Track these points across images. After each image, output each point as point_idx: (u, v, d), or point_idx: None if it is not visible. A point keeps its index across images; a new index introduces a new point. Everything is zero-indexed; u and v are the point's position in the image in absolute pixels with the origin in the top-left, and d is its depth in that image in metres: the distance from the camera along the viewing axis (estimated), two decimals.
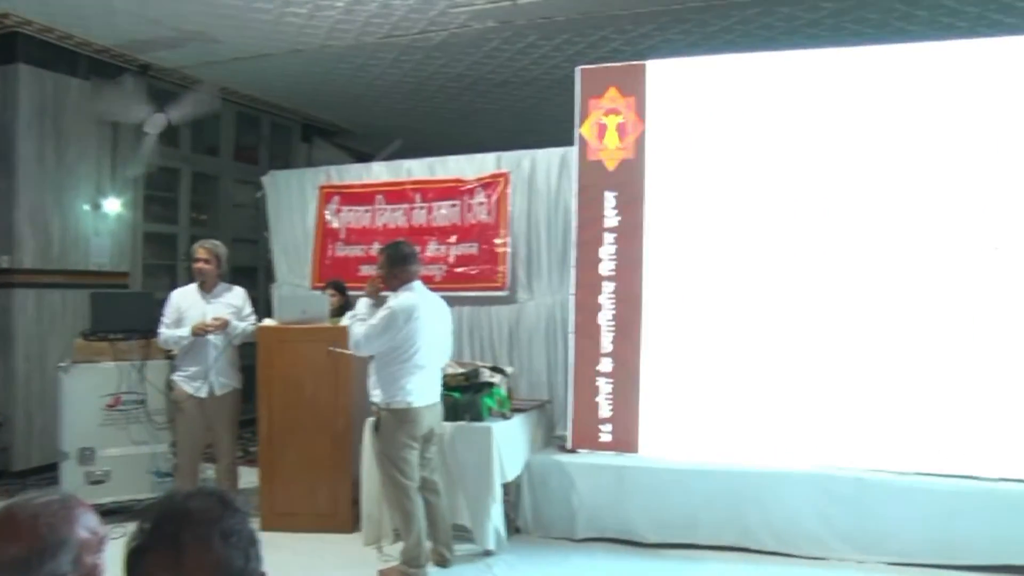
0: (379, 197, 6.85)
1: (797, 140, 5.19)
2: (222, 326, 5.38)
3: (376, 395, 4.64)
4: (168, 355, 5.72)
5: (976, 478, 4.78)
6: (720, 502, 5.07)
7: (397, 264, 4.68)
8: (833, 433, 5.08)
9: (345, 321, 5.88)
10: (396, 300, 4.60)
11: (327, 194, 7.09)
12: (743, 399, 5.23)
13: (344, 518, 5.39)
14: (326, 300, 5.84)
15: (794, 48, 5.45)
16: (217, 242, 5.63)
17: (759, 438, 5.19)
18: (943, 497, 4.75)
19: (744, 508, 5.04)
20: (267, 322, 5.65)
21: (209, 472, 5.80)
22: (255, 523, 2.15)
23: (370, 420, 4.90)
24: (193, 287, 5.55)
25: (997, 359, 4.83)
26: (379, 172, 7.07)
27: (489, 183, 6.48)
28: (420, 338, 4.59)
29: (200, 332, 5.33)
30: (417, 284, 4.73)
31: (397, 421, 4.58)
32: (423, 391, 4.65)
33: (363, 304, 4.75)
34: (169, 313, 5.46)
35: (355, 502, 5.35)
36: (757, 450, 5.18)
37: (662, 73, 5.50)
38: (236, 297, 5.57)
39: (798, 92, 5.20)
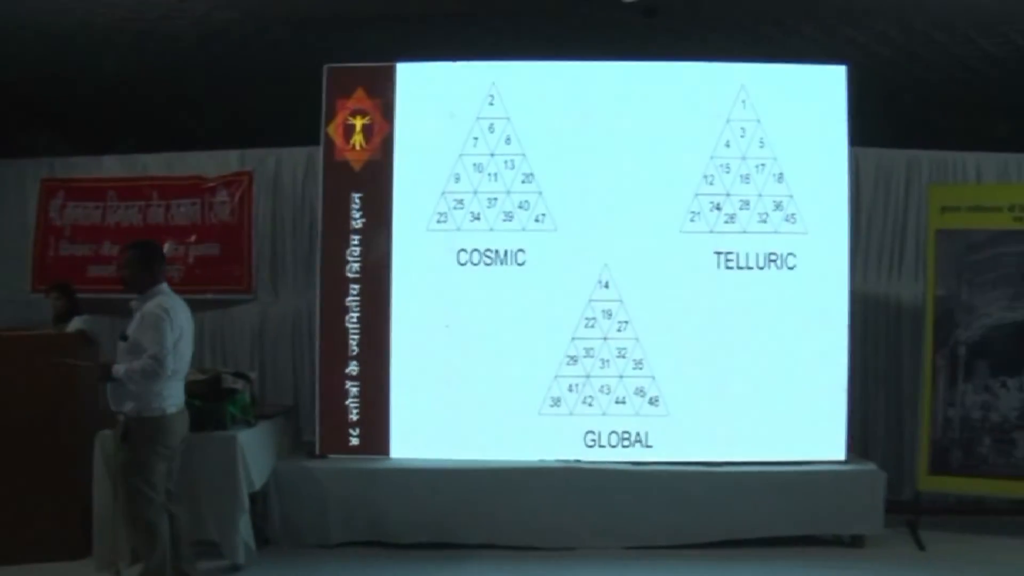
0: (111, 193, 6.45)
1: (541, 144, 5.47)
2: None
3: (126, 405, 4.33)
4: None
5: (703, 464, 5.30)
6: (471, 500, 5.22)
7: (149, 265, 4.45)
8: (576, 428, 5.39)
9: (74, 326, 5.49)
10: (155, 302, 4.36)
11: (50, 188, 6.56)
12: (491, 397, 5.42)
13: (73, 543, 4.99)
14: None
15: (541, 58, 5.68)
16: None
17: (507, 435, 5.40)
18: (674, 483, 5.24)
19: (494, 505, 5.22)
20: None
21: None
22: None
23: (107, 433, 4.60)
24: None
25: (716, 356, 5.41)
26: (111, 166, 6.64)
27: (232, 181, 6.28)
28: (181, 341, 4.40)
29: None
30: (166, 286, 4.52)
31: (151, 430, 4.32)
32: (178, 398, 4.46)
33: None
34: None
35: (85, 524, 4.99)
36: (505, 447, 5.38)
37: (412, 76, 5.58)
38: None
39: (542, 99, 5.51)
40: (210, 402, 4.98)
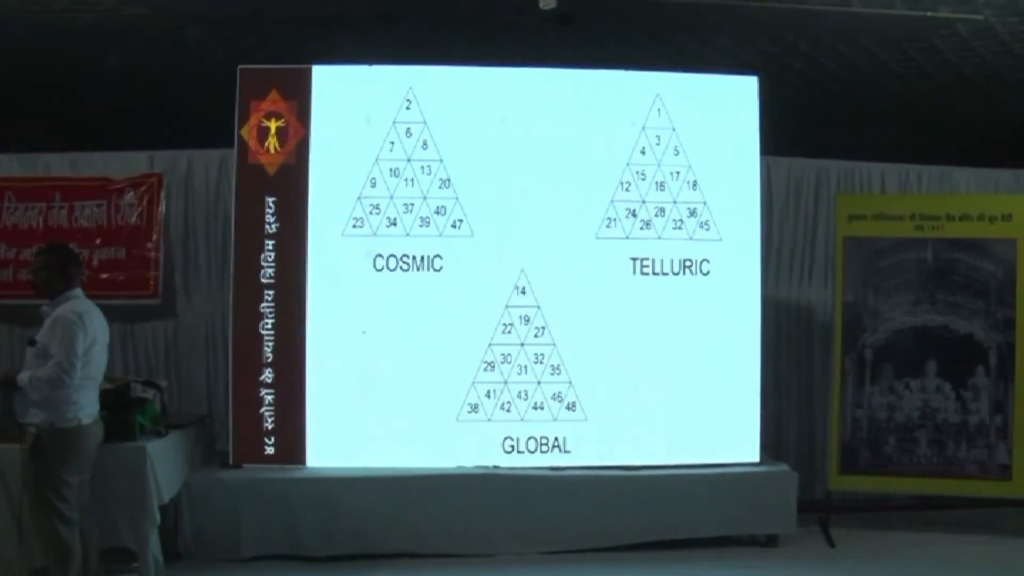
0: (9, 193, 6.19)
1: (459, 149, 5.51)
2: None
3: (35, 414, 4.21)
4: None
5: (621, 468, 5.42)
6: (389, 508, 5.22)
7: (64, 269, 4.37)
8: (495, 434, 5.45)
9: None
10: (68, 307, 4.27)
11: None
12: (409, 403, 5.43)
13: None
14: None
15: (458, 63, 5.73)
16: None
17: (425, 442, 5.42)
18: (592, 488, 5.34)
19: (413, 513, 5.22)
20: None
21: None
22: None
23: (14, 447, 4.42)
24: None
25: (632, 361, 5.53)
26: (9, 165, 6.36)
27: (140, 183, 6.10)
28: (95, 347, 4.31)
29: None
30: (79, 291, 4.43)
31: (66, 442, 4.21)
32: (92, 407, 4.36)
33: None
34: None
35: None
36: (423, 454, 5.41)
37: (328, 78, 5.56)
38: None
39: (459, 104, 5.55)
40: (118, 412, 4.84)
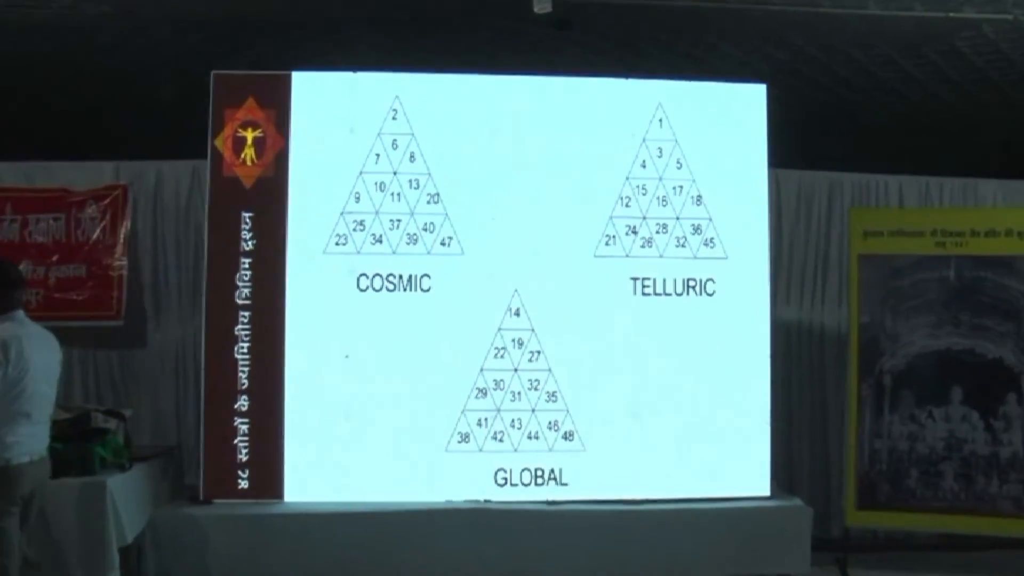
0: None
1: (448, 162, 5.52)
2: None
3: None
4: None
5: (622, 502, 5.39)
6: (372, 546, 5.18)
7: (4, 289, 4.34)
8: (486, 466, 5.43)
9: None
10: None
11: None
12: (394, 433, 5.42)
13: None
14: None
15: (448, 71, 5.76)
16: None
17: (411, 474, 5.40)
18: (591, 523, 5.31)
19: (398, 550, 5.19)
20: None
21: None
22: None
23: None
24: None
25: (633, 387, 5.52)
26: None
27: (104, 196, 6.14)
28: (27, 378, 4.22)
29: None
30: (20, 314, 4.38)
31: None
32: (26, 444, 4.26)
33: None
34: None
35: None
36: (409, 487, 5.38)
37: (309, 86, 5.57)
38: None
39: (449, 114, 5.56)
40: (75, 444, 4.83)
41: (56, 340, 4.59)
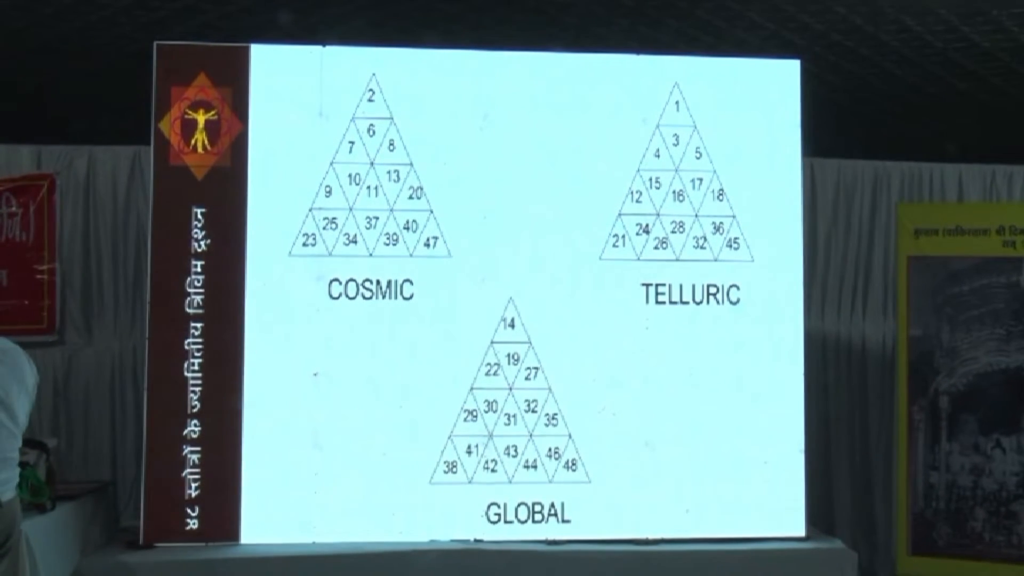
0: None
1: (433, 151, 6.01)
2: None
3: None
4: None
5: (632, 541, 5.87)
6: None
7: None
8: (477, 499, 5.89)
9: None
10: None
11: None
12: (371, 463, 5.85)
13: None
14: None
15: (432, 46, 6.19)
16: None
17: (390, 510, 5.84)
18: (597, 566, 5.75)
19: None
20: None
21: None
22: None
23: None
24: None
25: (646, 410, 6.02)
26: None
27: (25, 188, 6.51)
28: None
29: None
30: None
31: None
32: None
33: None
34: None
35: None
36: (388, 525, 5.82)
37: (271, 61, 6.00)
38: None
39: (434, 96, 6.06)
40: None
41: (22, 354, 4.67)
